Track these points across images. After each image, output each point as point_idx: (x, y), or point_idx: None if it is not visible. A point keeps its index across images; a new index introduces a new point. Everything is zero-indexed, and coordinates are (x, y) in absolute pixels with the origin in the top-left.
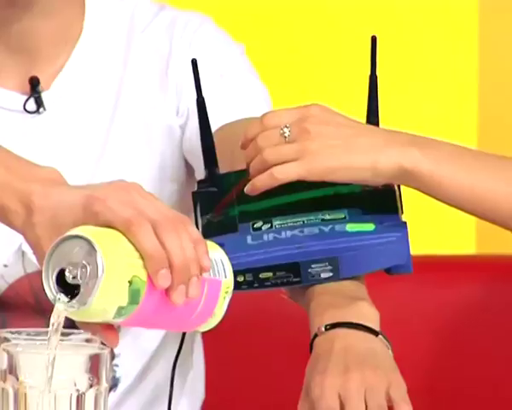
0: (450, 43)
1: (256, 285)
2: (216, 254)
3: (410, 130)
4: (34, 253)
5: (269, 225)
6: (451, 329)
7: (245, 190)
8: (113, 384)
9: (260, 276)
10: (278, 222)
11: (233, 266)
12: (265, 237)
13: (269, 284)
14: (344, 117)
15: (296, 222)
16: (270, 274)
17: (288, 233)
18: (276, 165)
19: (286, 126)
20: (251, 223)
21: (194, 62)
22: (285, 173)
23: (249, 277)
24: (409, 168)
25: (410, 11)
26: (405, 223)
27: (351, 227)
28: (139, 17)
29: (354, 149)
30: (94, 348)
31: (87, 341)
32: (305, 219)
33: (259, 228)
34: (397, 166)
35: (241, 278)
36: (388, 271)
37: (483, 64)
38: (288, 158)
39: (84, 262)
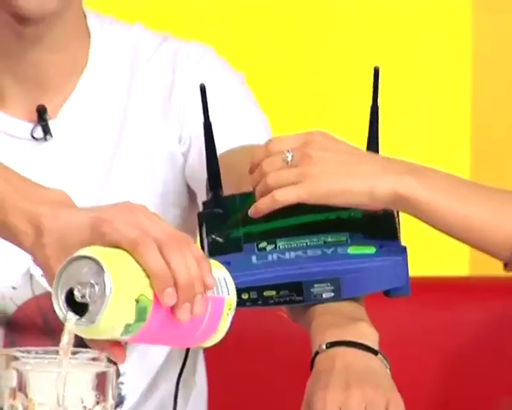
0: (444, 70)
1: (260, 303)
2: (219, 272)
3: (404, 154)
4: (43, 273)
5: (273, 246)
6: (449, 348)
7: (248, 212)
8: (119, 402)
9: (264, 294)
10: (282, 243)
11: (238, 284)
12: (270, 257)
13: (272, 301)
14: (345, 144)
15: (300, 244)
16: (273, 292)
17: (292, 254)
18: (278, 188)
19: (288, 151)
20: (256, 243)
21: (202, 88)
22: (285, 196)
23: (253, 294)
24: (404, 195)
25: (407, 41)
26: (405, 248)
27: (352, 250)
28: (143, 48)
29: (353, 175)
30: (100, 367)
31: (93, 359)
32: (308, 241)
33: (264, 248)
34: (392, 192)
35: (245, 296)
36: (387, 293)
37: (476, 86)
38: (290, 181)
39: (92, 282)
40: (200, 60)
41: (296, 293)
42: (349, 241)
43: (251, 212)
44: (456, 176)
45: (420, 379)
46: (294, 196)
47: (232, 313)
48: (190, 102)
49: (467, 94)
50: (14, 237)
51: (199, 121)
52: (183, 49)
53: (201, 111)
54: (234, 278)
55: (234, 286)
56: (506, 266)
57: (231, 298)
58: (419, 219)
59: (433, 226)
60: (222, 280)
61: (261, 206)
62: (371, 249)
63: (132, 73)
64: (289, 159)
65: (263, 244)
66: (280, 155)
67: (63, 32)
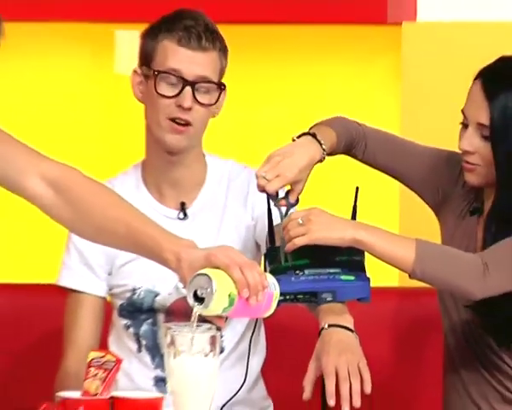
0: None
1: (294, 301)
2: (271, 279)
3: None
4: (182, 282)
5: (302, 273)
6: (390, 334)
7: (285, 249)
8: (221, 350)
9: (297, 297)
10: (307, 271)
11: (282, 290)
12: (301, 278)
13: (300, 301)
14: (328, 214)
15: (317, 272)
16: (301, 296)
17: (312, 277)
18: (295, 237)
19: (300, 218)
20: (293, 271)
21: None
22: (299, 241)
23: (291, 296)
24: (358, 239)
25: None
26: (369, 278)
27: (343, 277)
28: (233, 173)
29: (333, 230)
30: (212, 332)
31: (208, 329)
32: (321, 271)
33: (297, 274)
34: (353, 238)
35: (286, 297)
36: (359, 300)
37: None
38: (300, 234)
39: (206, 286)
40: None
41: (314, 297)
42: (341, 272)
43: (286, 249)
44: (384, 229)
45: (371, 350)
46: (303, 242)
47: (277, 300)
48: (256, 200)
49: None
50: (166, 264)
51: (261, 209)
52: (251, 173)
53: (262, 204)
54: (281, 288)
55: (278, 287)
56: (410, 276)
57: (277, 293)
58: (367, 252)
59: (375, 256)
60: (272, 284)
61: (289, 246)
62: (351, 277)
63: (228, 186)
64: (300, 222)
65: (297, 272)
66: (295, 220)
67: (192, 161)
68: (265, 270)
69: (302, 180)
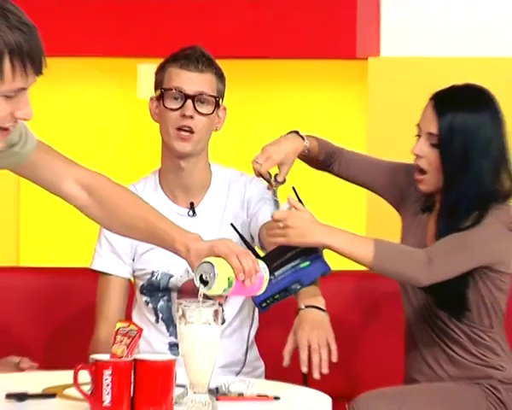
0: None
1: (275, 301)
2: (262, 265)
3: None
4: (191, 268)
5: (274, 276)
6: (353, 311)
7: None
8: (223, 321)
9: (275, 297)
10: (277, 273)
11: (263, 297)
12: (273, 281)
13: (279, 299)
14: (306, 222)
15: (284, 270)
16: (278, 296)
17: (280, 277)
18: (276, 237)
19: (280, 222)
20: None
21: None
22: (279, 241)
23: (271, 300)
24: (327, 244)
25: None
26: (320, 255)
27: (302, 265)
28: (232, 178)
29: (307, 236)
30: (215, 307)
31: (212, 304)
32: (287, 267)
33: (271, 279)
34: (323, 243)
35: (267, 301)
36: (322, 275)
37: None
38: (278, 236)
39: (209, 272)
40: (252, 183)
41: (287, 292)
42: (300, 261)
43: (267, 245)
44: (349, 232)
45: (339, 325)
46: (281, 242)
47: (266, 282)
48: (251, 201)
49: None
50: (177, 253)
51: (255, 208)
52: (248, 179)
53: (256, 203)
54: (262, 296)
55: (268, 271)
56: (370, 269)
57: (267, 276)
58: (336, 252)
59: (343, 256)
60: (262, 269)
61: (269, 244)
62: (308, 263)
63: (228, 190)
64: (281, 225)
65: (270, 277)
66: (277, 224)
67: (199, 169)
68: (257, 257)
69: (287, 163)
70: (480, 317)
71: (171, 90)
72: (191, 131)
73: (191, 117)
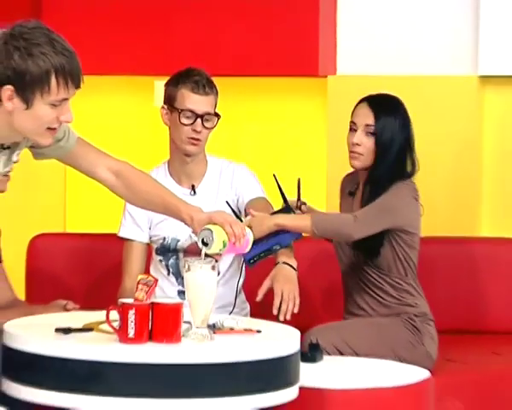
0: None
1: (261, 257)
2: (248, 230)
3: None
4: (194, 233)
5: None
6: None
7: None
8: (218, 273)
9: (260, 255)
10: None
11: (253, 254)
12: (259, 244)
13: (264, 256)
14: (260, 218)
15: (268, 238)
16: (263, 254)
17: (265, 241)
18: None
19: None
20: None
21: (274, 176)
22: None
23: (258, 256)
24: (277, 222)
25: None
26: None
27: (281, 233)
28: (223, 166)
29: (264, 226)
30: (213, 262)
31: (210, 261)
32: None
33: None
34: (275, 223)
35: (255, 258)
36: (295, 239)
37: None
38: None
39: (209, 236)
40: (239, 169)
41: (269, 251)
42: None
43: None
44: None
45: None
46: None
47: (251, 243)
48: (239, 183)
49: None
50: (183, 222)
51: (242, 189)
52: (235, 166)
53: (242, 185)
54: (252, 253)
55: (252, 235)
56: (313, 235)
57: (251, 238)
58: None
59: (288, 229)
60: (248, 233)
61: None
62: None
63: (220, 175)
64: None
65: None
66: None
67: (198, 160)
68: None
69: None
70: (397, 268)
71: (185, 110)
72: (199, 140)
73: (200, 132)
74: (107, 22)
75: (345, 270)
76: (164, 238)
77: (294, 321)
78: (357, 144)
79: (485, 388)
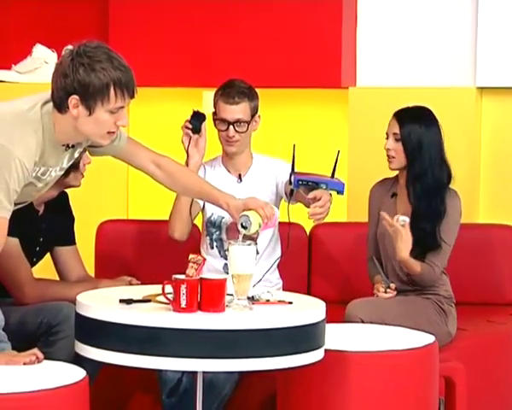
0: None
1: (309, 185)
2: (276, 210)
3: None
4: (231, 217)
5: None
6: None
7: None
8: (257, 252)
9: (308, 183)
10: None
11: (305, 179)
12: (311, 176)
13: (311, 186)
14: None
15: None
16: (311, 183)
17: (316, 177)
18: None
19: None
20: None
21: (293, 146)
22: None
23: (308, 183)
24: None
25: None
26: (343, 183)
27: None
28: (265, 161)
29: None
30: (251, 242)
31: (249, 243)
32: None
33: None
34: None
35: (305, 182)
36: (338, 192)
37: None
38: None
39: (247, 221)
40: (278, 164)
41: (316, 185)
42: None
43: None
44: None
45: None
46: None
47: (278, 220)
48: (278, 174)
49: None
50: (221, 208)
51: (280, 179)
52: (275, 161)
53: (280, 176)
54: (305, 178)
55: (279, 213)
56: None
57: (278, 216)
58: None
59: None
60: (276, 212)
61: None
62: (336, 180)
63: (262, 167)
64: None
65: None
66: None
67: (245, 156)
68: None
69: None
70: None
71: (220, 119)
72: (234, 141)
73: (233, 136)
74: (162, 43)
75: (385, 260)
76: (212, 214)
77: (336, 295)
78: (388, 149)
79: (481, 350)
